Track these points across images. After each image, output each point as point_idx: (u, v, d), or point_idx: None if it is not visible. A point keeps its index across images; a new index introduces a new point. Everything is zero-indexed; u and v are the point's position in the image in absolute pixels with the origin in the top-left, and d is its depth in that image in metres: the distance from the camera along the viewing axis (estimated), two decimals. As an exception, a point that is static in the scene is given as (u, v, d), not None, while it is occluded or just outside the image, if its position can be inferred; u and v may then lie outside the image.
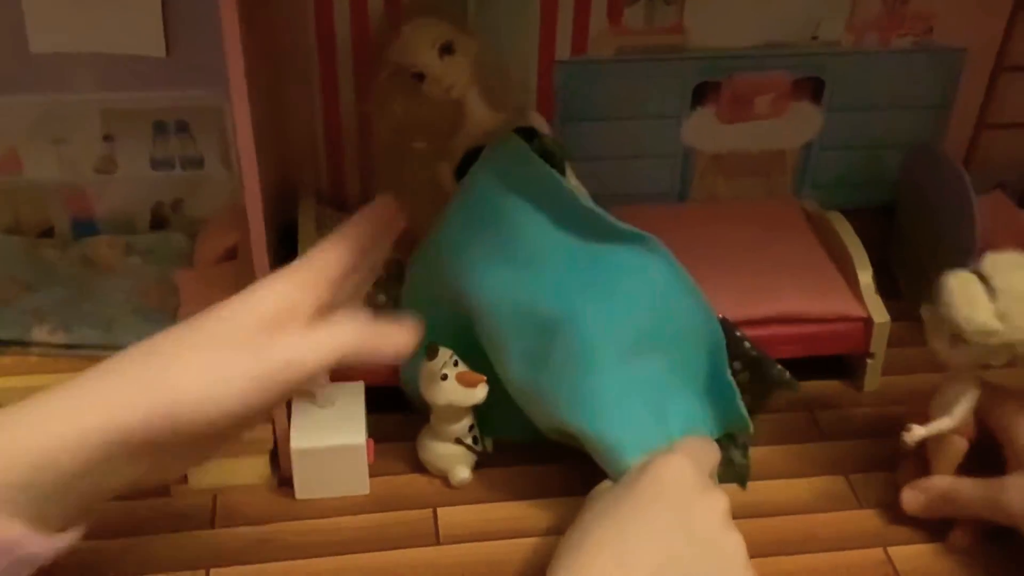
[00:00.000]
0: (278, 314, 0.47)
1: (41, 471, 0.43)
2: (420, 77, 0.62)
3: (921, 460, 0.62)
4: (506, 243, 0.59)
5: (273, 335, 0.46)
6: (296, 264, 0.49)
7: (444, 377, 0.59)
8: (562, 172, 0.62)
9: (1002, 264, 0.56)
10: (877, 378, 0.71)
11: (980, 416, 0.59)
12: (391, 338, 0.49)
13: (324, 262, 0.49)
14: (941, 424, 0.59)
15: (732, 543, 0.50)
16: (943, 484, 0.60)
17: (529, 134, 0.63)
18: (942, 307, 0.56)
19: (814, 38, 0.74)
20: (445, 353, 0.60)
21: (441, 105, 0.63)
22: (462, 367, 0.60)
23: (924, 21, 0.74)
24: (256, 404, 0.45)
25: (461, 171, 0.64)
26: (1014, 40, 0.76)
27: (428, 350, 0.59)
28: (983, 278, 0.55)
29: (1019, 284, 0.55)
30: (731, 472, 0.64)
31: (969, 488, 0.59)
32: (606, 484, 0.56)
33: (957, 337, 0.56)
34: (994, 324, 0.55)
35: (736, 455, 0.64)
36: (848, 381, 0.72)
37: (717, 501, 0.51)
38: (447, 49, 0.61)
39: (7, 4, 0.66)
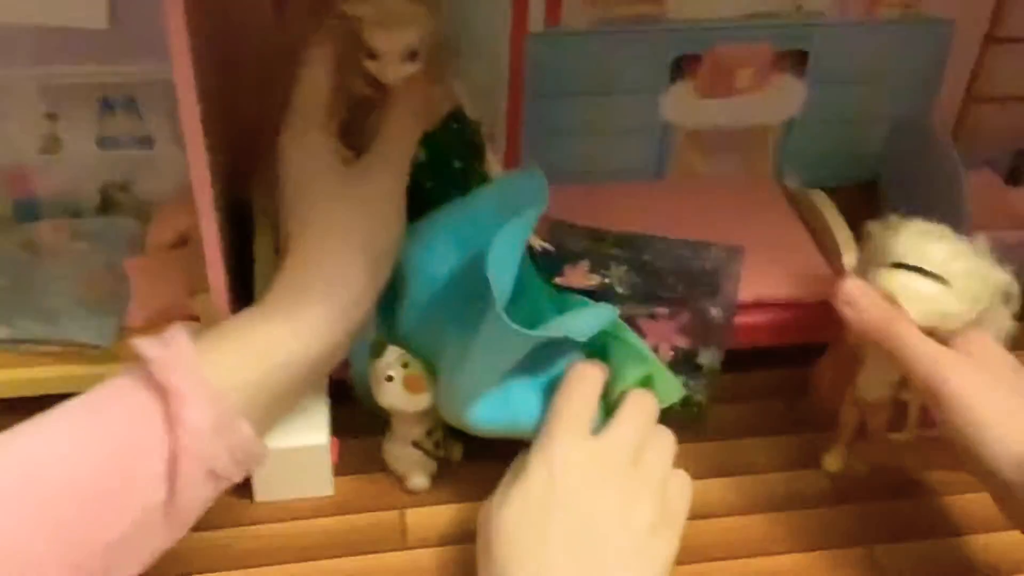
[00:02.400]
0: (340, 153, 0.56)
1: (270, 375, 0.50)
2: (372, 55, 0.56)
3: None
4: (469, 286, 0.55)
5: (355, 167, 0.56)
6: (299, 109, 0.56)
7: (389, 379, 0.56)
8: (482, 158, 0.60)
9: (915, 245, 0.54)
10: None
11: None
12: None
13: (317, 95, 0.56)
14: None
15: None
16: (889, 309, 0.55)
17: (459, 118, 0.60)
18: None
19: (798, 8, 0.71)
20: (393, 352, 0.56)
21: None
22: (413, 369, 0.56)
23: (912, -10, 0.71)
24: None
25: None
26: (1004, 11, 0.73)
27: (374, 347, 0.56)
28: (916, 269, 0.53)
29: (954, 260, 0.53)
30: (686, 416, 0.62)
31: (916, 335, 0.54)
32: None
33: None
34: (963, 306, 0.53)
35: (696, 397, 0.63)
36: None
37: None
38: (412, 55, 0.56)
39: (-65, -29, 0.61)
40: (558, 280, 0.62)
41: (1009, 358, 0.54)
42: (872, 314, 0.55)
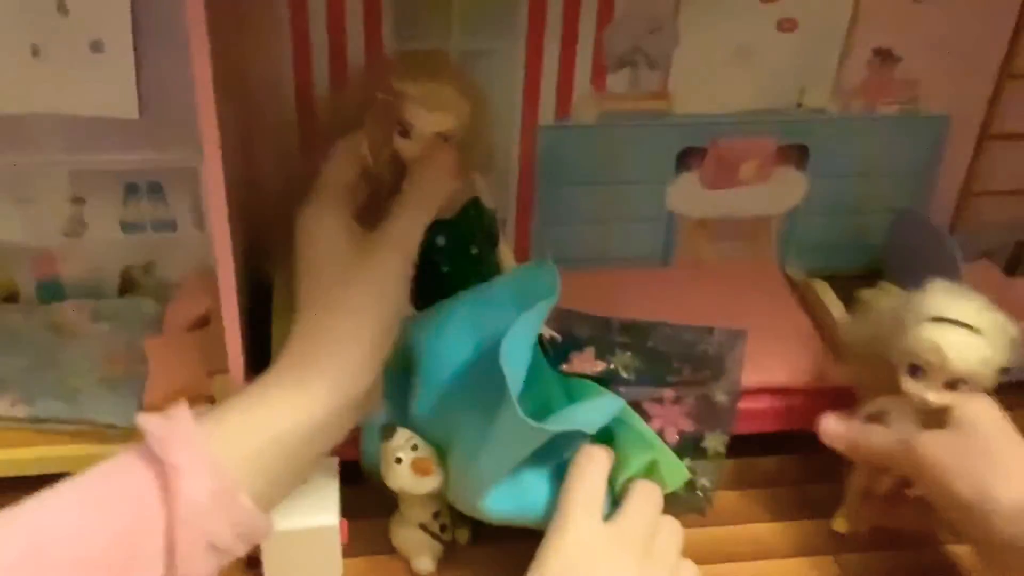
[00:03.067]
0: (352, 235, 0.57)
1: (271, 447, 0.51)
2: (405, 133, 0.58)
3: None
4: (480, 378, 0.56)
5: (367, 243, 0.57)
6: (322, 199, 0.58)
7: (398, 461, 0.57)
8: (496, 246, 0.62)
9: (952, 300, 0.58)
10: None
11: None
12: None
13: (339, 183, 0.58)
14: None
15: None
16: (860, 425, 0.61)
17: (477, 207, 0.62)
18: (947, 361, 0.56)
19: (799, 105, 0.73)
20: (403, 435, 0.57)
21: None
22: (422, 452, 0.57)
23: (909, 88, 0.74)
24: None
25: None
26: (999, 107, 0.76)
27: (384, 430, 0.57)
28: (956, 322, 0.56)
29: (983, 315, 0.57)
30: (692, 501, 0.63)
31: (883, 433, 0.59)
32: None
33: (956, 382, 0.57)
34: (996, 358, 0.56)
35: (701, 482, 0.63)
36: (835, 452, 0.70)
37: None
38: (445, 137, 0.58)
39: (-25, 64, 0.64)
40: (565, 367, 0.63)
41: (1006, 424, 0.57)
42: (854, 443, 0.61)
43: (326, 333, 0.55)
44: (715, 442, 0.65)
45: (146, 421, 0.49)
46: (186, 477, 0.47)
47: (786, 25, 0.70)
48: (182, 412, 0.50)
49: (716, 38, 0.70)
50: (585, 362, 0.64)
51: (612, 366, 0.65)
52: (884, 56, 0.72)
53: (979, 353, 0.56)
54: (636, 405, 0.62)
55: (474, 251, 0.62)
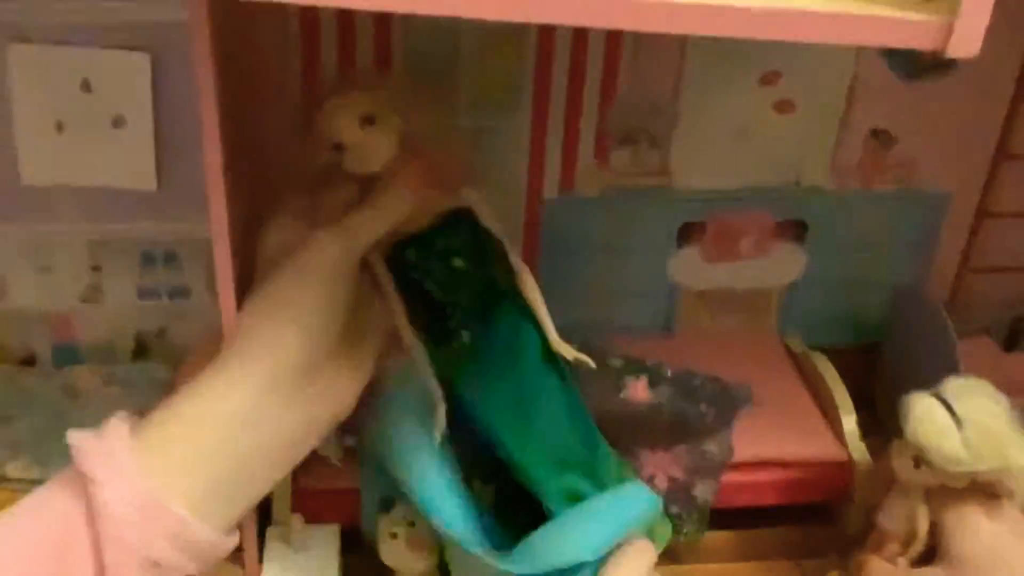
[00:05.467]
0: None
1: (200, 444, 0.49)
2: (340, 148, 0.54)
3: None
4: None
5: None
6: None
7: (394, 535, 0.57)
8: (503, 254, 0.56)
9: (964, 390, 0.58)
10: (860, 523, 0.70)
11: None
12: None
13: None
14: (917, 549, 0.61)
15: None
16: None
17: (465, 219, 0.56)
18: (908, 430, 0.58)
19: (796, 183, 0.75)
20: (400, 510, 0.58)
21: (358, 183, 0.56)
22: (419, 529, 0.57)
23: (906, 166, 0.75)
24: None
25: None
26: (996, 186, 0.77)
27: (383, 501, 0.58)
28: (946, 404, 0.57)
29: (982, 414, 0.57)
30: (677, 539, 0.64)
31: None
32: None
33: (920, 459, 0.58)
34: (962, 454, 0.56)
35: (686, 528, 0.64)
36: (833, 526, 0.71)
37: None
38: (369, 120, 0.54)
39: (1, 137, 0.66)
40: (624, 395, 0.64)
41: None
42: None
43: (251, 322, 0.53)
44: (704, 491, 0.65)
45: (75, 437, 0.48)
46: (109, 490, 0.46)
47: (783, 107, 0.72)
48: (115, 424, 0.48)
49: (715, 118, 0.72)
50: (640, 390, 0.65)
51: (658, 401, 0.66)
52: (880, 136, 0.74)
53: (942, 438, 0.56)
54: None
55: (458, 264, 0.56)
